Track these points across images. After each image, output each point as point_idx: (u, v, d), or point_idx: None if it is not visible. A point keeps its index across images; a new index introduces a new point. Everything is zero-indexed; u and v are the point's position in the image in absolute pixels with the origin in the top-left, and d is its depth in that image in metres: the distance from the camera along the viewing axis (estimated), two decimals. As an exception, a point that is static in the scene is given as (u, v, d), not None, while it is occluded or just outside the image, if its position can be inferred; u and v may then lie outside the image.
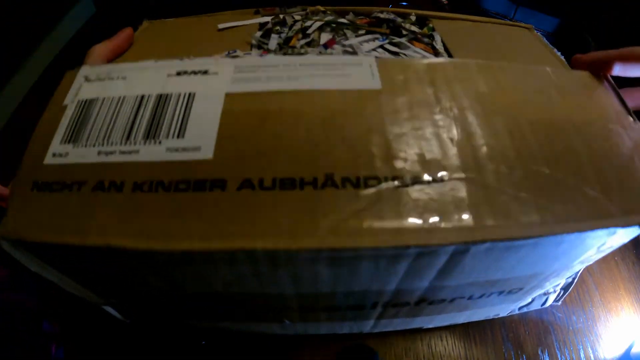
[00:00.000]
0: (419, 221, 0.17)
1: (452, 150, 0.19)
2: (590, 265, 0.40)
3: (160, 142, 0.19)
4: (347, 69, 0.22)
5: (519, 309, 0.35)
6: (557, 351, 0.35)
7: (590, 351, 0.35)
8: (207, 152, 0.19)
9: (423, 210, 0.17)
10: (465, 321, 0.35)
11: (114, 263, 0.20)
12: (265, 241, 0.17)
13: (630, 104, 0.23)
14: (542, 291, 0.32)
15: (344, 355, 0.33)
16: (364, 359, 0.33)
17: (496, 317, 0.35)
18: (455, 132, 0.20)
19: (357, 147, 0.19)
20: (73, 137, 0.20)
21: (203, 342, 0.33)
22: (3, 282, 0.26)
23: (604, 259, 0.41)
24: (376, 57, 0.23)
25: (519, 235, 0.18)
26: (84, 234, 0.18)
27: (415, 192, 0.18)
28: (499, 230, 0.18)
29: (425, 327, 0.34)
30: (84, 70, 0.23)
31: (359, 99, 0.21)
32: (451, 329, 0.35)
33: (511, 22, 0.36)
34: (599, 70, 0.24)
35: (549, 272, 0.25)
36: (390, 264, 0.19)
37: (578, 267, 0.27)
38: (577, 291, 0.39)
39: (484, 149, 0.20)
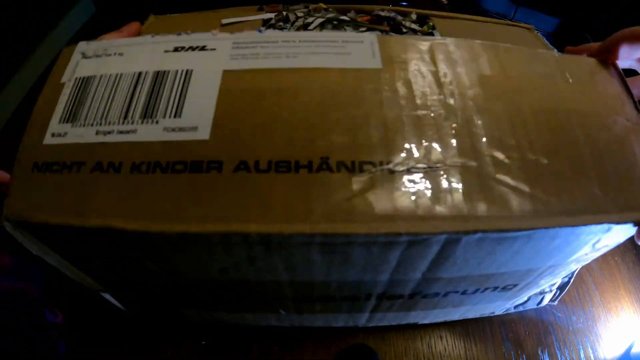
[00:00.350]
0: (412, 209, 0.17)
1: (450, 137, 0.19)
2: (590, 265, 0.40)
3: (157, 122, 0.19)
4: (347, 47, 0.22)
5: (515, 307, 0.35)
6: (557, 351, 0.35)
7: (590, 351, 0.35)
8: (203, 133, 0.19)
9: (417, 197, 0.17)
10: (461, 318, 0.35)
11: (113, 246, 0.20)
12: (259, 225, 0.17)
13: (635, 91, 0.23)
14: (537, 290, 0.32)
15: (344, 355, 0.33)
16: (364, 359, 0.33)
17: (492, 314, 0.35)
18: (454, 118, 0.20)
19: (353, 131, 0.19)
20: (71, 116, 0.20)
21: (203, 342, 0.33)
22: (6, 270, 0.26)
23: (604, 259, 0.41)
24: (378, 34, 0.22)
25: (512, 227, 0.17)
26: (84, 216, 0.18)
27: (409, 178, 0.18)
28: (492, 220, 0.17)
29: (420, 322, 0.34)
30: (81, 47, 0.22)
31: (359, 79, 0.20)
32: (451, 328, 0.35)
33: (511, 22, 0.36)
34: (606, 56, 0.23)
35: (544, 268, 0.24)
36: (383, 251, 0.19)
37: (574, 266, 0.27)
38: (577, 291, 0.39)
39: (483, 136, 0.19)
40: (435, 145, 0.19)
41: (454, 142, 0.19)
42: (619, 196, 0.19)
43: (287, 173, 0.18)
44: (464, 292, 0.26)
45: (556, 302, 0.36)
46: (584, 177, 0.19)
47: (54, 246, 0.21)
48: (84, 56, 0.22)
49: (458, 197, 0.18)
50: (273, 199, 0.17)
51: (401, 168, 0.18)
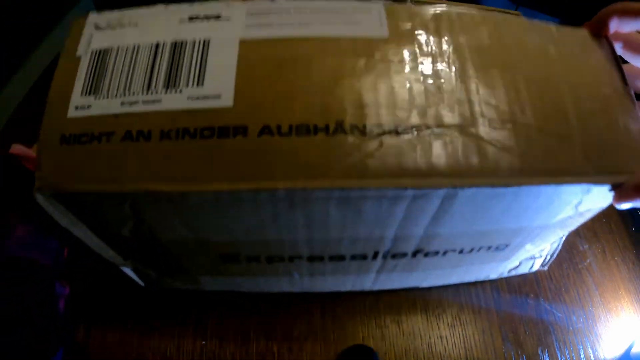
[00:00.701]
0: (416, 166, 0.19)
1: (451, 103, 0.21)
2: (590, 265, 0.40)
3: (181, 91, 0.20)
4: (356, 16, 0.23)
5: (509, 272, 0.36)
6: (557, 351, 0.35)
7: (590, 351, 0.36)
8: (227, 100, 0.20)
9: (420, 156, 0.20)
10: (458, 281, 0.36)
11: (144, 213, 0.21)
12: (285, 182, 0.19)
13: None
14: (528, 255, 0.34)
15: (344, 355, 0.33)
16: (364, 359, 0.33)
17: (487, 279, 0.37)
18: (454, 85, 0.21)
19: (364, 96, 0.20)
20: (93, 88, 0.21)
21: (203, 342, 0.33)
22: (21, 240, 0.26)
23: (604, 259, 0.41)
24: (384, 2, 0.24)
25: (501, 184, 0.20)
26: (119, 182, 0.19)
27: (414, 140, 0.20)
28: (484, 177, 0.20)
29: (420, 285, 0.36)
30: (93, 18, 0.22)
31: (367, 48, 0.22)
32: (451, 328, 0.35)
33: (501, 10, 0.36)
34: (597, 30, 0.24)
35: (532, 228, 0.26)
36: (391, 205, 0.21)
37: (560, 231, 0.29)
38: (577, 291, 0.39)
39: (480, 102, 0.21)
40: (438, 110, 0.21)
41: (454, 107, 0.21)
42: (599, 161, 0.21)
43: (307, 136, 0.19)
44: (461, 251, 0.28)
45: (546, 268, 0.38)
46: (569, 142, 0.21)
47: (83, 217, 0.22)
48: (97, 28, 0.22)
49: (456, 156, 0.20)
50: (295, 159, 0.19)
51: (407, 130, 0.20)
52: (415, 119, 0.20)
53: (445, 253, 0.28)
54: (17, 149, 0.28)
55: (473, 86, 0.21)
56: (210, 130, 0.19)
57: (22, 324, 0.27)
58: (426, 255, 0.28)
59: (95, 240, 0.25)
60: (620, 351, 0.36)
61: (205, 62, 0.21)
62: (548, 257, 0.36)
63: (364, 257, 0.27)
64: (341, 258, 0.27)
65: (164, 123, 0.20)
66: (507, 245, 0.29)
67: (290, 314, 0.35)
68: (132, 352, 0.33)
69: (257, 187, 0.19)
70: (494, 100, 0.21)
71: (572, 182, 0.21)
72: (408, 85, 0.21)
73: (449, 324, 0.36)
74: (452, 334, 0.35)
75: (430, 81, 0.21)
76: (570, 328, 0.36)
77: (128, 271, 0.30)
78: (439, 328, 0.35)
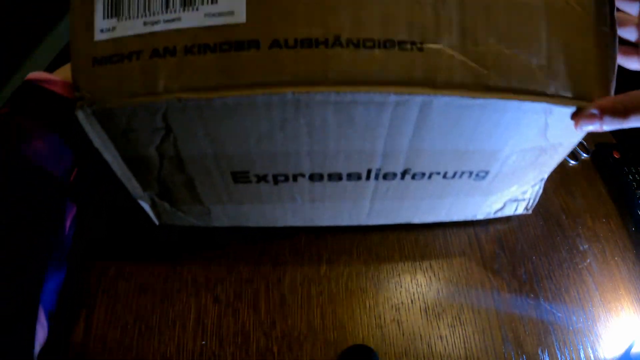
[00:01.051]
0: (399, 77, 0.23)
1: (434, 22, 0.23)
2: (590, 265, 0.40)
3: (197, 9, 0.22)
4: None
5: (495, 212, 0.39)
6: (557, 351, 0.35)
7: (590, 351, 0.36)
8: (240, 16, 0.22)
9: (403, 68, 0.23)
10: (446, 219, 0.39)
11: (174, 122, 0.24)
12: (293, 88, 0.22)
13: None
14: (511, 195, 0.37)
15: (344, 355, 0.33)
16: (364, 359, 0.33)
17: (474, 218, 0.40)
18: (439, 6, 0.23)
19: (359, 12, 0.23)
20: (114, 11, 0.22)
21: (203, 342, 0.33)
22: (40, 150, 0.27)
23: (604, 259, 0.41)
24: None
25: (470, 95, 0.23)
26: (153, 94, 0.22)
27: (399, 54, 0.23)
28: (455, 90, 0.23)
29: (412, 221, 0.39)
30: None
31: None
32: (451, 329, 0.35)
33: None
34: None
35: (506, 153, 0.30)
36: (378, 112, 0.25)
37: (538, 171, 0.33)
38: (577, 291, 0.39)
39: (461, 23, 0.24)
40: (424, 27, 0.23)
41: (438, 25, 0.23)
42: (563, 83, 0.24)
43: (310, 48, 0.23)
44: (445, 176, 0.32)
45: (530, 211, 0.40)
46: (538, 65, 0.24)
47: (116, 136, 0.25)
48: None
49: (434, 71, 0.23)
50: (301, 69, 0.22)
51: (394, 45, 0.23)
52: (402, 34, 0.23)
53: (430, 176, 0.32)
54: (36, 74, 0.29)
55: (455, 9, 0.23)
56: (228, 45, 0.22)
57: (25, 229, 0.26)
58: (414, 177, 0.32)
59: (122, 167, 0.28)
60: (620, 351, 0.36)
61: None
62: (531, 201, 0.39)
63: (358, 176, 0.31)
64: (339, 177, 0.31)
65: (187, 39, 0.22)
66: (487, 173, 0.32)
67: (290, 313, 0.35)
68: (132, 352, 0.33)
69: (270, 92, 0.22)
70: (473, 21, 0.24)
71: (533, 100, 0.24)
72: (398, 3, 0.23)
73: (449, 324, 0.36)
74: (452, 334, 0.35)
75: (419, 1, 0.24)
76: (570, 328, 0.36)
77: (145, 206, 0.34)
78: (439, 328, 0.35)
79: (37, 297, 0.26)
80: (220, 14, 0.22)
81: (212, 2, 0.22)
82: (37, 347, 0.27)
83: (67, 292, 0.32)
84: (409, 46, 0.23)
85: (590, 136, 0.51)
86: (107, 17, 0.22)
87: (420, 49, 0.23)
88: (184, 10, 0.22)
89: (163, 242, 0.38)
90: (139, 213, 0.34)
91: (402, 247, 0.40)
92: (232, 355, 0.33)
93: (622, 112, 0.23)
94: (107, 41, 0.22)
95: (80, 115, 0.23)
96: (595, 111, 0.24)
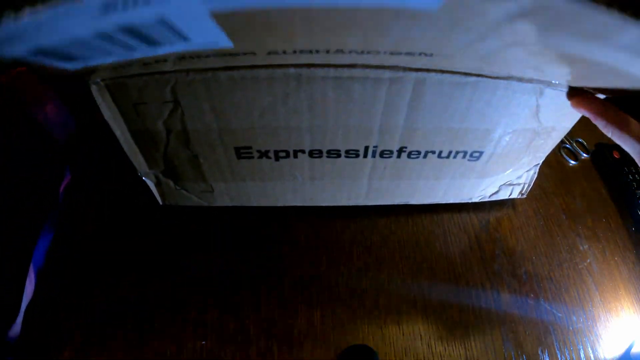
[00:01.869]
0: (393, 57, 0.23)
1: None
2: (590, 265, 0.40)
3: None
4: None
5: (490, 196, 0.40)
6: (557, 351, 0.35)
7: (590, 351, 0.36)
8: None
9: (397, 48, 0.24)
10: (442, 200, 0.39)
11: (182, 96, 0.25)
12: (294, 62, 0.24)
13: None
14: (506, 179, 0.38)
15: (344, 355, 0.33)
16: (364, 359, 0.33)
17: (470, 200, 0.40)
18: None
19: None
20: None
21: (203, 342, 0.33)
22: (49, 117, 0.27)
23: (604, 259, 0.41)
24: None
25: (461, 73, 0.25)
26: (164, 71, 0.24)
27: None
28: (448, 68, 0.25)
29: (410, 202, 0.39)
30: None
31: None
32: (451, 329, 0.35)
33: None
34: None
35: (499, 133, 0.30)
36: (374, 88, 0.26)
37: (532, 156, 0.33)
38: (577, 291, 0.39)
39: None
40: None
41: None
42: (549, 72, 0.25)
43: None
44: (440, 155, 0.33)
45: (525, 196, 0.41)
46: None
47: (126, 110, 0.26)
48: None
49: (428, 53, 0.23)
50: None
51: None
52: None
53: (426, 155, 0.33)
54: None
55: None
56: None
57: (27, 189, 0.27)
58: (410, 156, 0.33)
59: (129, 141, 0.29)
60: (620, 351, 0.36)
61: None
62: (526, 186, 0.40)
63: (356, 154, 0.32)
64: (337, 154, 0.32)
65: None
66: (480, 154, 0.33)
67: (290, 313, 0.35)
68: (132, 352, 0.33)
69: (273, 63, 0.24)
70: None
71: (522, 81, 0.25)
72: None
73: (449, 324, 0.36)
74: (452, 334, 0.35)
75: None
76: (570, 328, 0.36)
77: (149, 184, 0.35)
78: (439, 328, 0.35)
79: (30, 253, 0.27)
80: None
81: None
82: (25, 301, 0.27)
83: (57, 252, 0.32)
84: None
85: (590, 136, 0.51)
86: None
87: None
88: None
89: (162, 239, 0.38)
90: (139, 196, 0.35)
91: (403, 247, 0.40)
92: (232, 354, 0.33)
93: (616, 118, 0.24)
94: None
95: (92, 87, 0.24)
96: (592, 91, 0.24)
